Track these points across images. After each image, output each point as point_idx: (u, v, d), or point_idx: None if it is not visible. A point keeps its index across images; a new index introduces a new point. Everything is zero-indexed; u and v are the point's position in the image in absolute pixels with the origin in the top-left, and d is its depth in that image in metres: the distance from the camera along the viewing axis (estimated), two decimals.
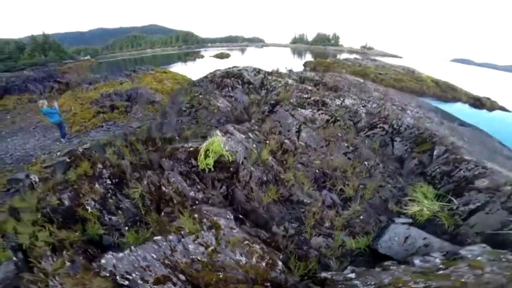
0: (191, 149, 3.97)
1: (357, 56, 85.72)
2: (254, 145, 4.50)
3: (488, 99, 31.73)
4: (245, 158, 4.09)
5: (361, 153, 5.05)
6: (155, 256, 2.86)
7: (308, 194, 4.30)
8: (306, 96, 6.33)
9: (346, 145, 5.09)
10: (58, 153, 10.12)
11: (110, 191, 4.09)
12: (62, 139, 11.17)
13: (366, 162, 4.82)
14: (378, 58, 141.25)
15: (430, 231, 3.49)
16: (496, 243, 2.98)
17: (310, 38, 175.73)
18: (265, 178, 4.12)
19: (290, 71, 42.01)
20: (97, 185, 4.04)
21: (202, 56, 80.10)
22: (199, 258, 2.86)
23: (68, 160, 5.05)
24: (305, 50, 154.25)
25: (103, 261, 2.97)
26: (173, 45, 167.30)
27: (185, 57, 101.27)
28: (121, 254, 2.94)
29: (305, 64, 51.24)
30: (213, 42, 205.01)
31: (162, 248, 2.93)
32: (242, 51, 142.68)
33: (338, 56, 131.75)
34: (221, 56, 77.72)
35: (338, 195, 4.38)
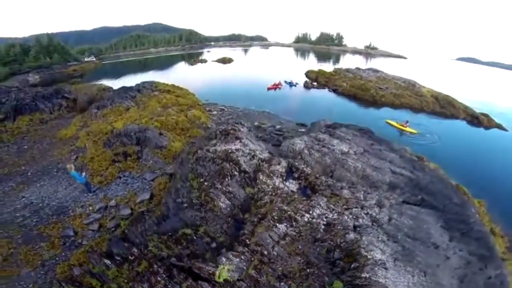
0: (210, 271, 6.50)
1: (359, 64, 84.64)
2: (245, 263, 6.92)
3: (486, 116, 32.13)
4: (239, 276, 6.58)
5: (309, 261, 7.26)
6: None
7: (273, 285, 6.70)
8: (285, 208, 8.03)
9: (299, 258, 7.32)
10: (90, 208, 11.64)
11: (167, 281, 6.41)
12: (89, 193, 12.60)
13: (308, 269, 7.07)
14: (382, 58, 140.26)
15: None
16: None
17: (313, 37, 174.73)
18: (249, 285, 6.54)
19: (291, 83, 42.75)
20: (159, 278, 6.43)
21: (205, 61, 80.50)
22: None
23: (130, 258, 7.22)
24: (308, 50, 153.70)
25: None
26: (176, 44, 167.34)
27: (188, 59, 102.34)
28: None
29: (307, 74, 51.78)
30: (216, 40, 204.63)
31: None
32: (246, 51, 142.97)
33: (342, 56, 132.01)
34: (223, 61, 78.09)
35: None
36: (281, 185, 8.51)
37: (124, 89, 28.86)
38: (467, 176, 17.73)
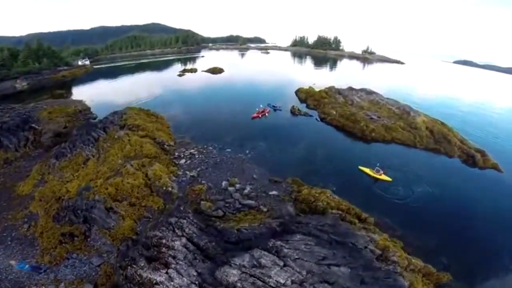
0: None
1: (355, 71, 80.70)
2: None
3: (482, 155, 30.08)
4: None
5: None
6: None
7: None
8: None
9: None
10: None
11: None
12: (40, 273, 13.57)
13: None
14: (379, 64, 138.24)
15: None
16: None
17: (310, 40, 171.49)
18: None
19: (275, 107, 40.64)
20: None
21: (195, 70, 78.28)
22: None
23: None
24: (305, 54, 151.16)
25: None
26: (172, 46, 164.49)
27: (183, 63, 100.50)
28: None
29: (297, 92, 49.83)
30: (213, 42, 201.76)
31: None
32: (242, 55, 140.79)
33: (339, 62, 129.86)
34: (213, 71, 75.95)
35: None
36: None
37: (89, 126, 26.95)
38: (439, 242, 16.78)
